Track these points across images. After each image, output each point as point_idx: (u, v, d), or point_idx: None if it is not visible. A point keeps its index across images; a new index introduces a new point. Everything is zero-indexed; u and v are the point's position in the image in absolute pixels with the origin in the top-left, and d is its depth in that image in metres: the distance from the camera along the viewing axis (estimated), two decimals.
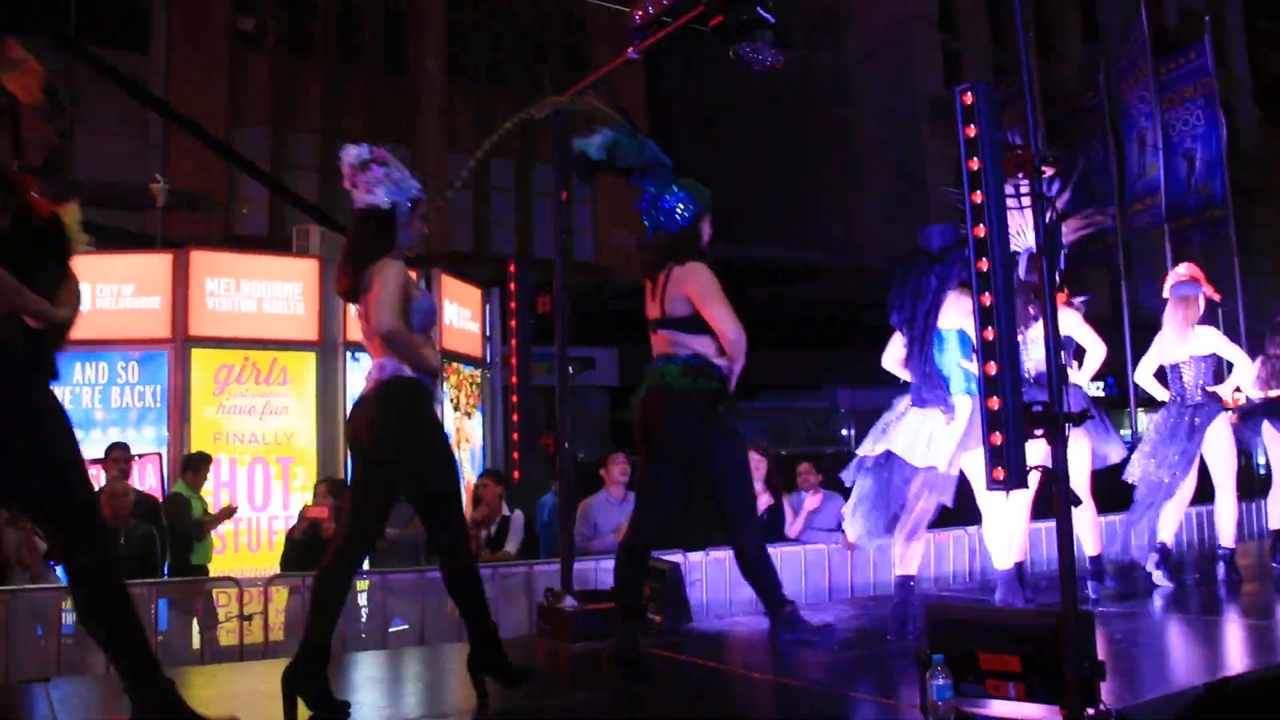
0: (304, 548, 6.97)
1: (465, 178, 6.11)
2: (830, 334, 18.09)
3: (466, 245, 20.75)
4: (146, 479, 8.24)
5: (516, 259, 5.90)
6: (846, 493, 5.13)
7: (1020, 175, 3.15)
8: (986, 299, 2.96)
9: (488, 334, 10.74)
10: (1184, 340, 6.30)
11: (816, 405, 20.76)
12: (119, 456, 7.34)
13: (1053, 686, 3.21)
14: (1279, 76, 41.83)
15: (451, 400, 9.97)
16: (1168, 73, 14.14)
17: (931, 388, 4.72)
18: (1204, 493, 6.55)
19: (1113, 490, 6.54)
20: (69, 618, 5.46)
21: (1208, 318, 6.50)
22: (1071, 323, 5.82)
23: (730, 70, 4.59)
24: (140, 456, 8.20)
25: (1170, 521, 6.28)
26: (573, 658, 5.01)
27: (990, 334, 2.96)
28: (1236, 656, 4.74)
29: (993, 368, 2.97)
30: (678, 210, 4.38)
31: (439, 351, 4.42)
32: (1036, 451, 3.44)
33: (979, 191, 3.00)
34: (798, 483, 7.65)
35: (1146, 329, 7.12)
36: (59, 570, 4.66)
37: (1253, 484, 9.26)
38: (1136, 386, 6.91)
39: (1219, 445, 6.29)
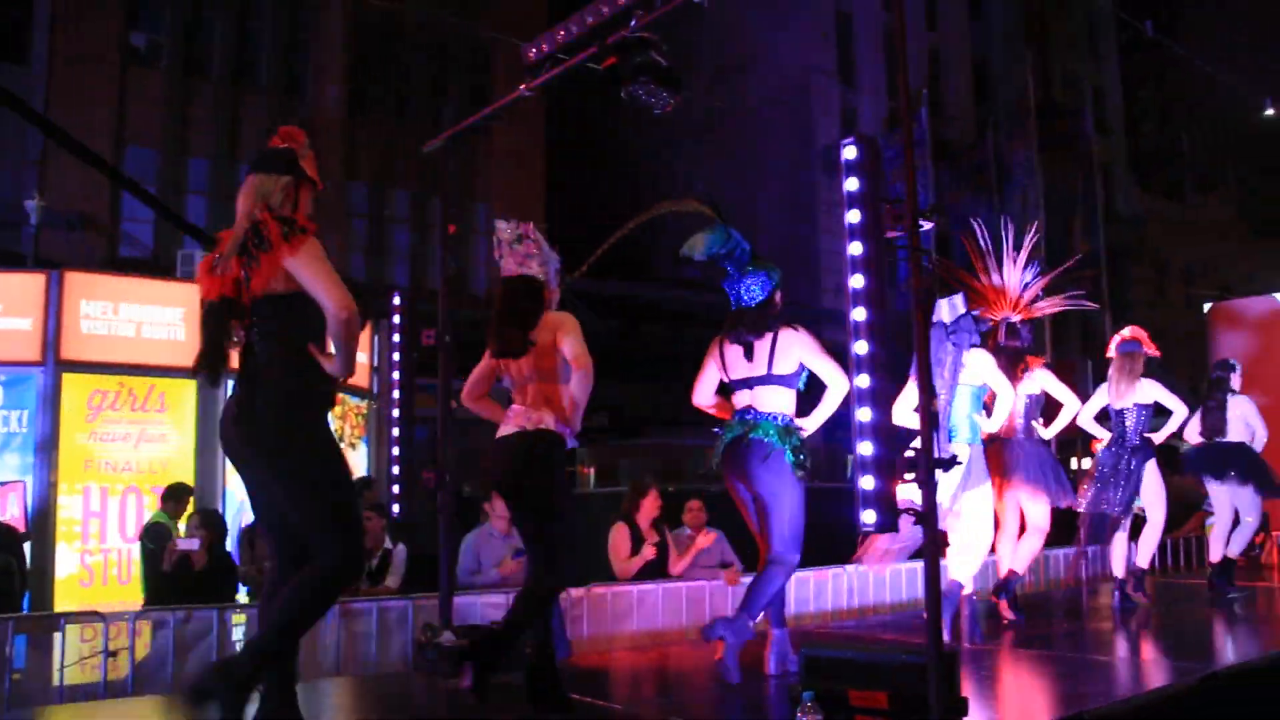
0: (173, 580, 6.75)
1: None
2: None
3: (362, 275, 20.52)
4: (9, 508, 7.90)
5: (401, 290, 5.87)
6: (730, 529, 5.33)
7: (900, 228, 3.26)
8: (863, 347, 3.05)
9: (375, 365, 10.61)
10: (1130, 390, 7.28)
11: (705, 443, 20.91)
12: None
13: None
14: (1153, 144, 43.94)
15: (337, 431, 9.81)
16: (1050, 135, 14.77)
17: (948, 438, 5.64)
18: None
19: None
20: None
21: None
22: (1046, 381, 6.78)
23: (636, 111, 4.67)
24: (3, 484, 7.88)
25: (1145, 549, 7.46)
26: (449, 694, 4.96)
27: (865, 381, 3.05)
28: (1094, 691, 4.91)
29: (867, 414, 3.05)
30: (756, 287, 4.99)
31: None
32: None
33: (858, 243, 3.10)
34: (685, 520, 7.70)
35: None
36: None
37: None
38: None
39: (1150, 485, 7.29)
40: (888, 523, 3.12)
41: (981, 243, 7.01)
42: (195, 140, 19.21)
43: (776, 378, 4.81)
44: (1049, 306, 7.16)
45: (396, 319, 5.84)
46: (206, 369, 3.59)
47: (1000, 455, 6.49)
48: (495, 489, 5.07)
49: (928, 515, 3.16)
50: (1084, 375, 9.40)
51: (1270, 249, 39.34)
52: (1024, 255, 6.99)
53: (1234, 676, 4.88)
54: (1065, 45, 33.08)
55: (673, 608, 6.84)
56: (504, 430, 4.40)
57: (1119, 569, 7.35)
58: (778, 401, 4.81)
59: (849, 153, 3.21)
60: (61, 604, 7.72)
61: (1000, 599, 6.67)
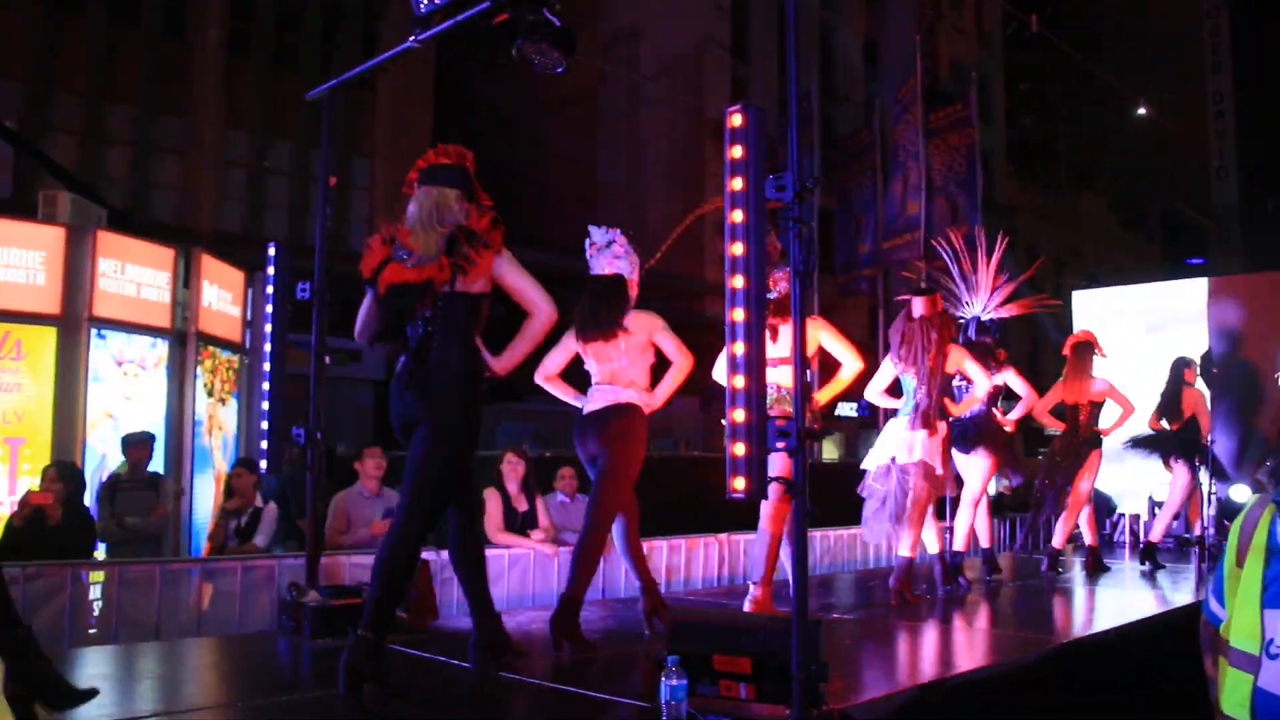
0: (25, 535, 6.48)
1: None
2: None
3: (238, 227, 19.89)
4: None
5: (277, 243, 5.71)
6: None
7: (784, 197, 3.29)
8: (739, 314, 3.06)
9: (249, 319, 10.32)
10: (1084, 387, 8.15)
11: None
12: None
13: (781, 688, 3.35)
14: (1031, 136, 45.29)
15: (206, 385, 9.52)
16: (936, 120, 15.05)
17: (927, 417, 6.38)
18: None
19: None
20: None
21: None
22: (1009, 376, 7.94)
23: (528, 73, 4.62)
24: None
25: (1067, 526, 8.35)
26: (314, 654, 4.88)
27: (741, 349, 3.06)
28: (953, 660, 5.08)
29: (741, 381, 3.07)
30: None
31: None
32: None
33: (740, 210, 3.11)
34: (557, 486, 7.71)
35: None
36: None
37: (1002, 505, 10.28)
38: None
39: (1089, 471, 8.16)
40: (757, 490, 3.16)
41: (956, 248, 8.10)
42: (64, 76, 18.35)
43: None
44: (1018, 308, 8.27)
45: (271, 271, 5.68)
46: (386, 342, 4.19)
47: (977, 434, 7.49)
48: (585, 458, 5.33)
49: (800, 485, 3.21)
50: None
51: (1136, 242, 41.04)
52: (995, 260, 8.11)
53: (1084, 648, 5.11)
54: (954, 33, 33.82)
55: (544, 572, 6.85)
56: (593, 406, 5.19)
57: (1057, 540, 8.32)
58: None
59: (735, 120, 3.22)
60: None
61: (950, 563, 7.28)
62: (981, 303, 8.10)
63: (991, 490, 8.24)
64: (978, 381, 6.89)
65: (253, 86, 20.16)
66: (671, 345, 5.16)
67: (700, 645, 3.45)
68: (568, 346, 5.32)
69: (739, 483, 3.13)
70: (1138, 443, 9.08)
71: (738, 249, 3.09)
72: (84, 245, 8.39)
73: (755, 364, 3.10)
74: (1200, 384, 9.37)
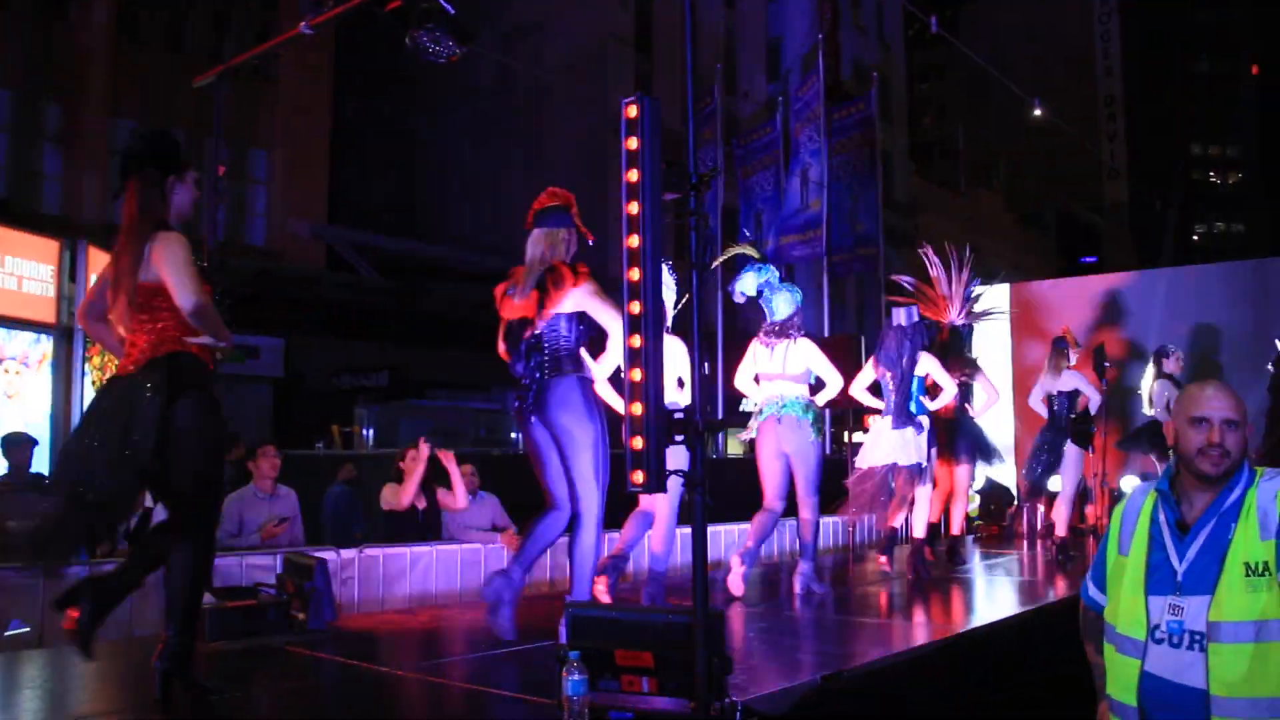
0: None
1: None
2: None
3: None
4: None
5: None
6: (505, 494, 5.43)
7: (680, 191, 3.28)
8: (635, 307, 3.05)
9: None
10: (1057, 379, 8.62)
11: (487, 407, 20.82)
12: None
13: (683, 681, 3.34)
14: (931, 136, 46.21)
15: (94, 382, 9.21)
16: (838, 119, 15.24)
17: (908, 414, 7.18)
18: None
19: None
20: None
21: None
22: (983, 380, 8.49)
23: (431, 68, 4.55)
24: None
25: (1059, 516, 8.61)
26: (207, 657, 4.75)
27: (637, 341, 3.05)
28: (855, 651, 5.13)
29: (637, 374, 3.05)
30: (783, 304, 6.60)
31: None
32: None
33: (635, 202, 3.09)
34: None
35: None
36: None
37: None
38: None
39: (1069, 460, 8.62)
40: (656, 483, 3.14)
41: (934, 260, 8.71)
42: None
43: (796, 376, 6.51)
44: (983, 315, 9.14)
45: None
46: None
47: (942, 431, 7.97)
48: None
49: (697, 478, 3.20)
50: (858, 349, 9.85)
51: (1033, 240, 42.13)
52: (966, 272, 8.76)
53: (984, 636, 5.21)
54: (855, 33, 34.31)
55: (446, 571, 6.77)
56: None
57: (1061, 528, 8.60)
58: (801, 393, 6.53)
59: (630, 111, 3.20)
60: None
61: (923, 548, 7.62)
62: (956, 310, 8.78)
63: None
64: (946, 387, 7.58)
65: (141, 72, 19.49)
66: (681, 362, 5.91)
67: (602, 640, 3.43)
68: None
69: (637, 476, 3.11)
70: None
71: (634, 241, 3.08)
72: None
73: (653, 357, 3.09)
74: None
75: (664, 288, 5.45)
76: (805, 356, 6.50)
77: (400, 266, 21.02)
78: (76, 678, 4.62)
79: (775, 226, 15.18)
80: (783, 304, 6.59)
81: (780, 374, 6.50)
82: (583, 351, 4.78)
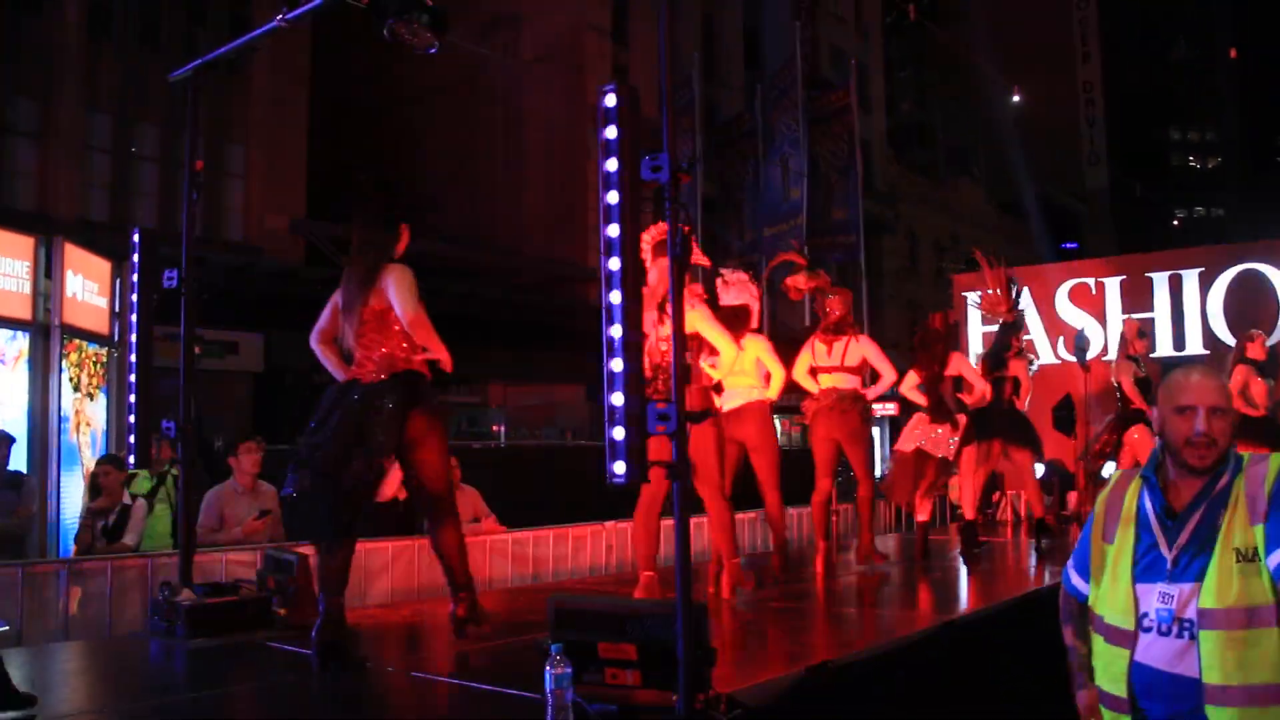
0: None
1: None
2: (487, 331, 18.10)
3: (103, 214, 19.10)
4: None
5: (140, 229, 5.48)
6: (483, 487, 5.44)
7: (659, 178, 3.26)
8: (616, 297, 3.02)
9: (116, 310, 9.93)
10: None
11: (469, 400, 20.78)
12: None
13: (667, 673, 3.32)
14: (910, 124, 46.26)
15: (72, 380, 9.13)
16: (816, 107, 15.25)
17: (944, 410, 7.85)
18: None
19: None
20: None
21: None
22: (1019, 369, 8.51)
23: (407, 58, 4.52)
24: None
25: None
26: (188, 654, 4.72)
27: (617, 331, 3.03)
28: (839, 641, 5.14)
29: (619, 364, 3.03)
30: (837, 305, 7.31)
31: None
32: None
33: (614, 191, 3.06)
34: None
35: (789, 342, 8.30)
36: None
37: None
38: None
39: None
40: (638, 474, 3.12)
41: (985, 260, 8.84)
42: None
43: (853, 370, 7.20)
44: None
45: (136, 259, 5.45)
46: None
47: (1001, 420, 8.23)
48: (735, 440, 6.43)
49: (680, 469, 3.18)
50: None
51: (1013, 226, 42.27)
52: (1003, 267, 8.86)
53: (969, 624, 5.21)
54: (833, 21, 34.30)
55: (428, 565, 6.73)
56: (733, 404, 6.51)
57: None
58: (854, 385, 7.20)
59: (608, 100, 3.17)
60: None
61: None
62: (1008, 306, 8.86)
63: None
64: (976, 384, 7.98)
65: (115, 67, 19.33)
66: (769, 360, 6.57)
67: (584, 633, 3.41)
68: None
69: (619, 467, 3.09)
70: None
71: (613, 230, 3.06)
72: None
73: (633, 347, 3.07)
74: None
75: (747, 291, 6.74)
76: (864, 352, 7.19)
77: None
78: (57, 675, 4.59)
79: (756, 216, 15.16)
80: (837, 305, 7.27)
81: (838, 368, 7.16)
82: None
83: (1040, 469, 9.72)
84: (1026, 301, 12.36)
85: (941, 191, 39.71)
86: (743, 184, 15.97)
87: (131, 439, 5.41)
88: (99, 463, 7.91)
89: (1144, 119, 60.77)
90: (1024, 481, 8.58)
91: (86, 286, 9.43)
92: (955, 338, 8.40)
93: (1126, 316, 11.32)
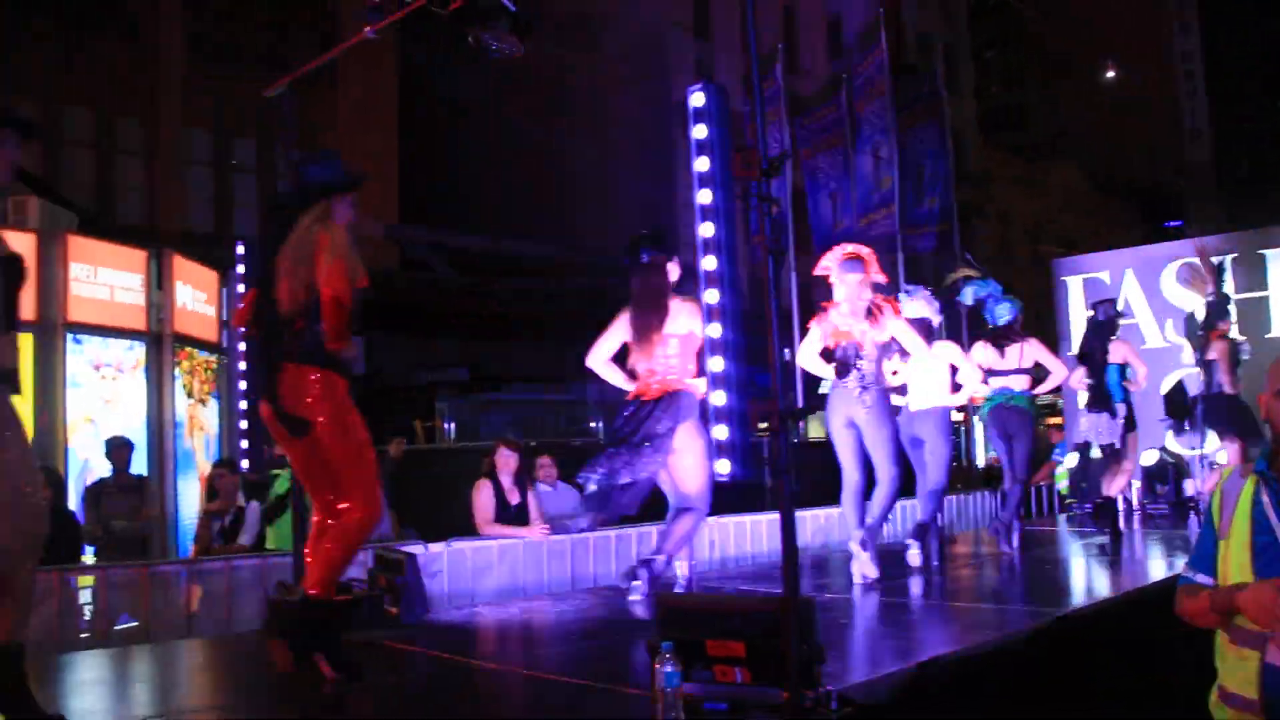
0: None
1: None
2: (579, 328, 18.19)
3: (206, 226, 19.71)
4: None
5: (246, 241, 5.65)
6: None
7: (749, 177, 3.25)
8: (714, 296, 3.03)
9: (224, 319, 10.25)
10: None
11: (565, 398, 20.92)
12: None
13: (776, 670, 3.32)
14: (1000, 106, 45.35)
15: (185, 386, 9.46)
16: (904, 93, 15.02)
17: (1102, 399, 8.29)
18: None
19: None
20: None
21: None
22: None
23: (491, 62, 4.58)
24: None
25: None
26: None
27: (716, 331, 3.04)
28: (950, 636, 5.06)
29: (719, 364, 3.05)
30: (1004, 312, 7.80)
31: None
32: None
33: (708, 191, 3.07)
34: (537, 475, 7.68)
35: None
36: None
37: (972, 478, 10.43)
38: None
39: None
40: (744, 472, 3.13)
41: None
42: (25, 81, 18.11)
43: (1025, 371, 7.66)
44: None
45: (242, 269, 5.63)
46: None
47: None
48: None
49: (785, 467, 3.18)
50: (954, 329, 9.84)
51: (1112, 206, 41.17)
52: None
53: (1084, 619, 5.09)
54: (918, 6, 33.76)
55: (534, 563, 6.83)
56: (918, 405, 7.17)
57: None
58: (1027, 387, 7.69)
59: (697, 99, 3.18)
60: None
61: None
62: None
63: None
64: (1139, 368, 8.37)
65: (211, 85, 19.95)
66: (964, 364, 7.25)
67: (692, 630, 3.43)
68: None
69: (724, 465, 3.10)
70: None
71: (708, 230, 3.06)
72: (55, 250, 8.33)
73: (733, 347, 3.07)
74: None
75: (927, 307, 7.17)
76: (1035, 354, 7.73)
77: (472, 263, 21.21)
78: (183, 671, 4.75)
79: (852, 206, 15.00)
80: (1004, 312, 7.77)
81: (1013, 369, 7.65)
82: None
83: (1155, 456, 9.74)
84: (1134, 286, 12.07)
85: (1035, 173, 38.82)
86: (832, 174, 15.80)
87: (244, 443, 5.58)
88: (214, 466, 8.20)
89: (1248, 90, 58.59)
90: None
91: (195, 296, 9.76)
92: (1113, 325, 8.55)
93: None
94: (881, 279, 6.28)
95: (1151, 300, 12.07)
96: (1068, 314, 12.76)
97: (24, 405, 8.10)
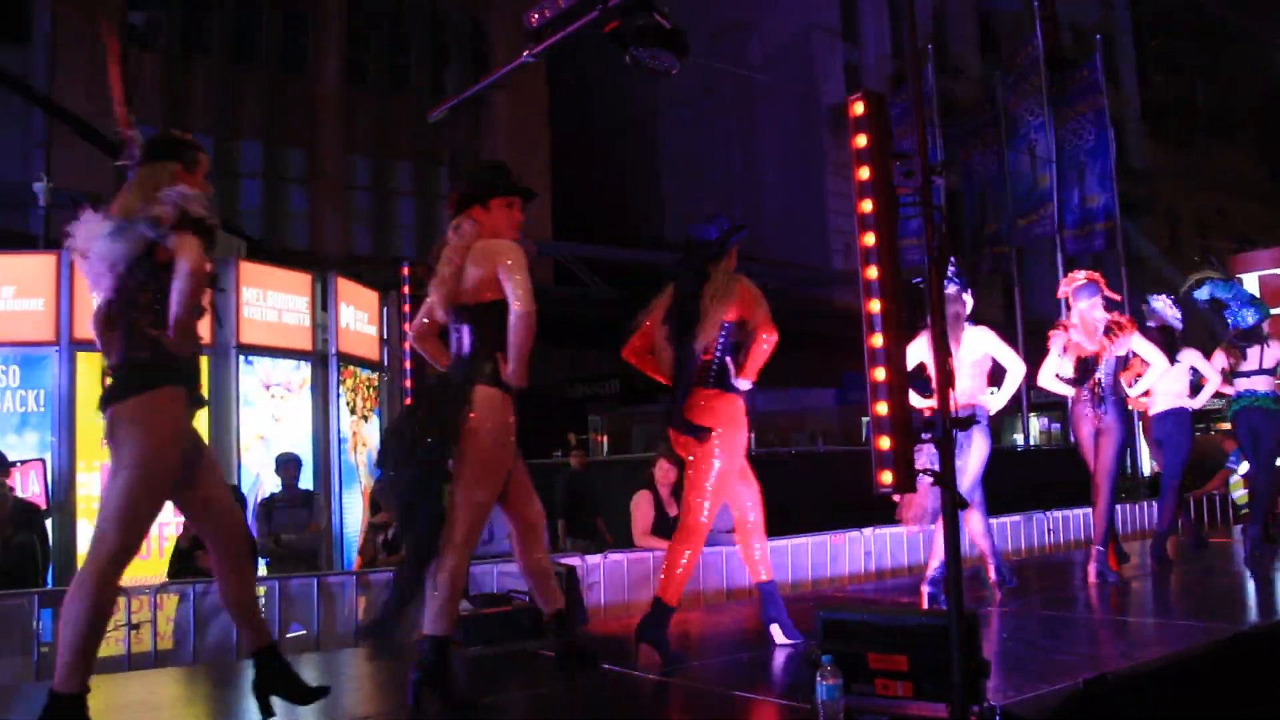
0: (191, 556, 6.78)
1: None
2: None
3: (367, 248, 20.46)
4: (30, 485, 7.94)
5: (411, 262, 5.84)
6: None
7: (910, 184, 3.21)
8: (875, 305, 3.00)
9: (385, 337, 10.59)
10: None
11: None
12: None
13: (939, 685, 3.26)
14: (1165, 95, 43.49)
15: (349, 403, 9.80)
16: (1060, 89, 14.55)
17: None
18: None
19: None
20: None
21: None
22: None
23: (638, 75, 4.64)
24: (23, 463, 7.90)
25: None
26: (466, 662, 4.96)
27: (879, 341, 3.00)
28: (1118, 652, 4.87)
29: (881, 374, 3.01)
30: (1249, 315, 7.81)
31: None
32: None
33: (868, 200, 3.04)
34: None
35: (1038, 334, 7.77)
36: None
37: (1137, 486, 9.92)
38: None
39: None
40: (905, 484, 3.08)
41: None
42: (196, 118, 19.14)
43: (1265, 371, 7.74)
44: None
45: (405, 289, 5.82)
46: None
47: None
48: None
49: (946, 476, 3.12)
50: None
51: None
52: None
53: (1263, 636, 4.83)
54: None
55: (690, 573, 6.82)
56: (1158, 408, 7.51)
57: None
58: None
59: (857, 108, 3.15)
60: None
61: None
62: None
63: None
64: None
65: (369, 111, 20.71)
66: (1206, 368, 7.59)
67: (854, 644, 3.39)
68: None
69: (886, 477, 3.06)
70: None
71: (869, 239, 3.03)
72: (228, 277, 8.73)
73: (894, 356, 3.03)
74: None
75: (1170, 313, 7.56)
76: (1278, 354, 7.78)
77: (624, 276, 21.43)
78: (350, 679, 4.92)
79: (1007, 207, 14.61)
80: (1249, 315, 7.82)
81: (1257, 371, 7.72)
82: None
83: None
84: None
85: (1204, 164, 37.01)
86: (987, 174, 15.41)
87: None
88: (377, 481, 8.47)
89: None
90: None
91: (357, 316, 10.12)
92: None
93: None
94: (1115, 298, 6.94)
95: None
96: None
97: (201, 424, 8.55)
